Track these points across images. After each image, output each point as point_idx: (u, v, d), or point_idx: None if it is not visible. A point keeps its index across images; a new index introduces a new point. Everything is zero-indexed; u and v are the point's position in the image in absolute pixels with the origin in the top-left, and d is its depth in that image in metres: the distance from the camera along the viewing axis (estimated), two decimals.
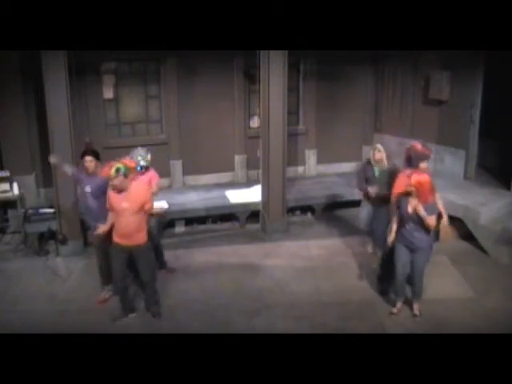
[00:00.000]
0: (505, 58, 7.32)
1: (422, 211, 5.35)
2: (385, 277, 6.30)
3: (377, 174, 6.66)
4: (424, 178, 5.41)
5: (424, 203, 5.38)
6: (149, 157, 6.37)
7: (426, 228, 5.46)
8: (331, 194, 9.11)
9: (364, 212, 7.01)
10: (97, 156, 5.94)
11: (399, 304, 5.91)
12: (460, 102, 8.68)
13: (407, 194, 5.48)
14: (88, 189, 5.86)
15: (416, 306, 5.86)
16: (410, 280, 5.77)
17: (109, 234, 5.57)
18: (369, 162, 6.83)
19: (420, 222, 5.43)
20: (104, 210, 5.63)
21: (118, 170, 5.28)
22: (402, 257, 5.68)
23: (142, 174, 6.34)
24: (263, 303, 6.19)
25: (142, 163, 6.26)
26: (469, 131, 8.70)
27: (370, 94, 10.18)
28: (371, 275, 6.61)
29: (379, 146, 6.77)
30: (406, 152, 6.11)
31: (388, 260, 6.22)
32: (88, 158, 5.84)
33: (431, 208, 5.43)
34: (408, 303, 5.95)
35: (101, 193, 5.72)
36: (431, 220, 5.39)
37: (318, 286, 6.57)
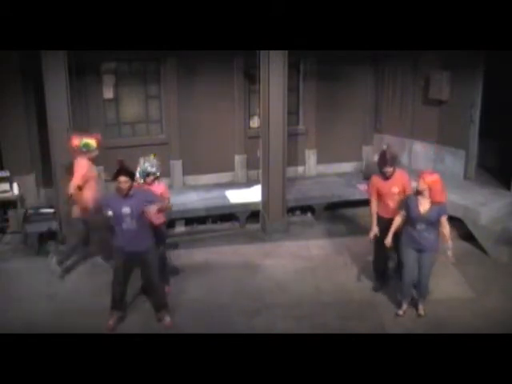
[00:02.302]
0: (505, 58, 7.32)
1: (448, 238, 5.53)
2: (380, 271, 6.43)
3: None
4: (436, 177, 5.44)
5: (436, 203, 5.41)
6: (154, 169, 6.07)
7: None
8: (331, 193, 9.11)
9: None
10: (132, 177, 5.44)
11: (405, 306, 5.91)
12: (460, 102, 8.68)
13: (418, 194, 5.49)
14: (127, 210, 5.34)
15: (421, 307, 5.87)
16: (416, 280, 5.78)
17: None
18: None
19: (432, 223, 5.46)
20: (144, 230, 5.48)
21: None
22: (410, 260, 5.69)
23: (150, 184, 6.08)
24: (263, 303, 6.19)
25: (149, 169, 6.03)
26: (469, 131, 8.70)
27: (370, 94, 10.18)
28: (371, 275, 6.61)
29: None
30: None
31: (376, 258, 6.37)
32: (123, 179, 5.31)
33: (443, 209, 5.46)
34: (412, 303, 5.96)
35: (141, 211, 5.42)
36: (448, 230, 5.52)
37: (317, 286, 6.58)
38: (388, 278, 6.51)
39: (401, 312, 5.89)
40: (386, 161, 5.93)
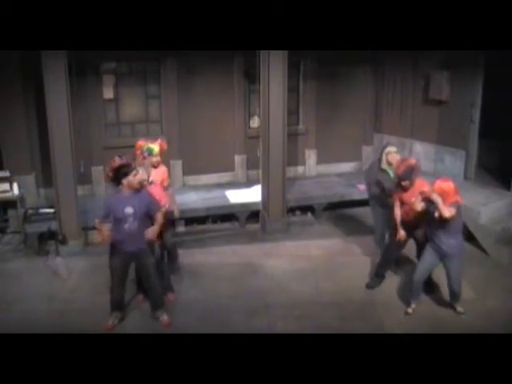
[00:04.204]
0: (505, 57, 7.32)
1: (436, 198, 5.39)
2: (378, 274, 6.48)
3: (393, 176, 6.55)
4: (448, 185, 5.43)
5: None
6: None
7: (454, 232, 5.55)
8: (331, 193, 9.11)
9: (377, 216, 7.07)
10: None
11: (414, 304, 5.93)
12: (460, 102, 8.68)
13: (432, 202, 5.49)
14: (130, 210, 5.27)
15: (458, 306, 5.91)
16: (448, 285, 5.85)
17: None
18: (380, 169, 6.71)
19: (446, 226, 5.47)
20: (143, 230, 5.37)
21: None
22: (427, 259, 5.76)
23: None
24: (263, 303, 6.19)
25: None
26: (469, 131, 8.69)
27: (370, 94, 10.18)
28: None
29: (394, 148, 6.70)
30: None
31: (385, 259, 6.39)
32: (136, 172, 5.31)
33: (456, 206, 5.45)
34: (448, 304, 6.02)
35: (146, 211, 5.35)
36: (446, 210, 5.35)
37: (318, 286, 6.58)
38: (384, 276, 6.52)
39: (410, 310, 5.91)
40: (401, 176, 5.90)
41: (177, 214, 6.65)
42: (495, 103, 8.55)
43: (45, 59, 6.82)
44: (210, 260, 7.29)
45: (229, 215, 8.65)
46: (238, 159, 9.65)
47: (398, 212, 6.14)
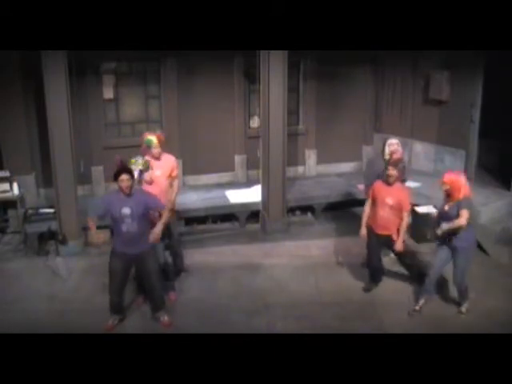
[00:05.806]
0: (505, 57, 7.32)
1: (454, 225, 5.45)
2: (372, 278, 6.45)
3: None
4: (456, 177, 5.48)
5: (456, 201, 5.45)
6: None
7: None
8: (331, 193, 9.11)
9: None
10: (132, 174, 5.42)
11: (422, 301, 5.91)
12: (460, 102, 8.68)
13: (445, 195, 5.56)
14: (127, 210, 5.28)
15: (464, 305, 5.90)
16: (453, 279, 5.83)
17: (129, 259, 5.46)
18: (384, 160, 6.55)
19: (453, 220, 5.49)
20: (144, 232, 5.40)
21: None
22: (438, 256, 5.79)
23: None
24: (263, 303, 6.19)
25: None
26: (469, 131, 8.69)
27: (370, 94, 10.18)
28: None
29: (396, 140, 6.67)
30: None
31: (368, 261, 6.40)
32: (125, 177, 5.26)
33: (461, 203, 5.44)
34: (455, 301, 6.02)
35: (145, 211, 5.38)
36: (461, 220, 5.39)
37: (317, 286, 6.58)
38: (380, 279, 6.50)
39: (417, 307, 5.90)
40: (396, 160, 5.96)
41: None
42: (495, 103, 8.55)
43: (45, 59, 6.82)
44: (209, 260, 7.29)
45: (229, 215, 8.65)
46: (238, 159, 9.64)
47: (367, 210, 6.19)
